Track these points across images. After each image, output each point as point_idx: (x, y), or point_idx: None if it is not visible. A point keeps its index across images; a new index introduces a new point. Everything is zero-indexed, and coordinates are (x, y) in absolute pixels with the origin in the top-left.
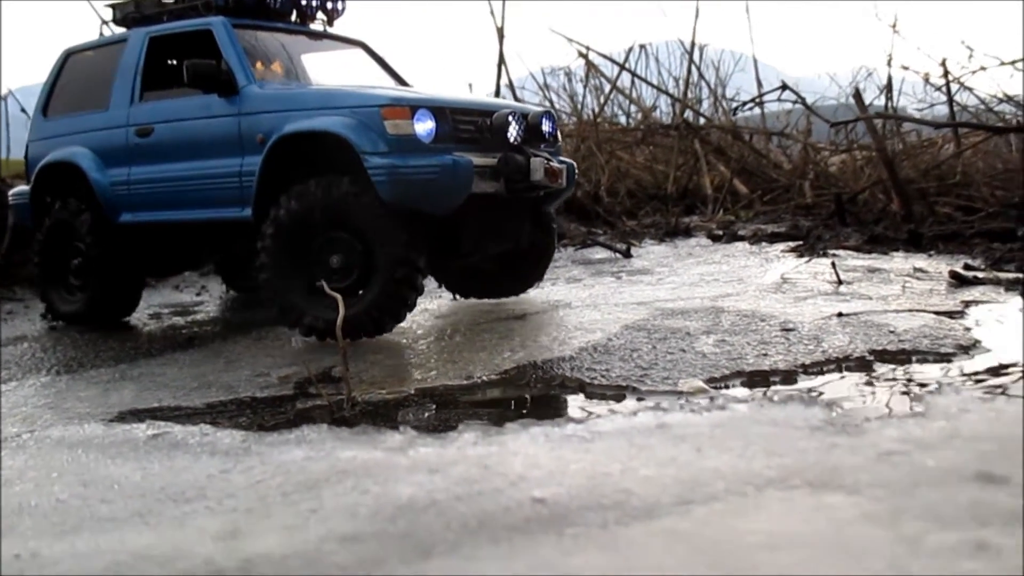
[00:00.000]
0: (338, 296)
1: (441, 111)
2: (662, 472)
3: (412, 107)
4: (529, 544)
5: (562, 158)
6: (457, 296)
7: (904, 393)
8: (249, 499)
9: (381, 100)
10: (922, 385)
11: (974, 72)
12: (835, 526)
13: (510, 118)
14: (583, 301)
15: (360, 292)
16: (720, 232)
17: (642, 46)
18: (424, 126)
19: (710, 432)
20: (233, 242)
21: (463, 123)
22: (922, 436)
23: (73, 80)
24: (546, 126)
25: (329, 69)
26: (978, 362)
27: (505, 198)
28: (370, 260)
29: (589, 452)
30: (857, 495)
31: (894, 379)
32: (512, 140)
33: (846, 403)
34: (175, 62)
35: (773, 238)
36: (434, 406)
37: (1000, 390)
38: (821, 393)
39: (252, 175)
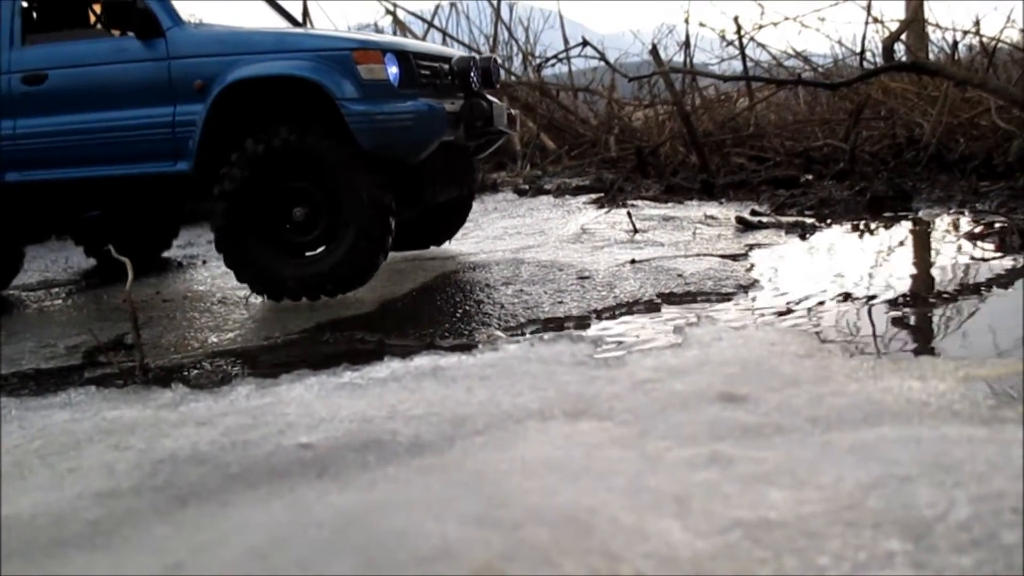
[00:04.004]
0: (126, 260)
1: (404, 55)
2: (430, 412)
3: (382, 51)
4: (288, 487)
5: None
6: None
7: (673, 329)
8: (4, 465)
9: (351, 44)
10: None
11: (762, 27)
12: (585, 450)
13: (471, 63)
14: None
15: (322, 248)
16: (526, 187)
17: (452, 4)
18: (393, 71)
19: (481, 372)
20: (152, 198)
21: (423, 68)
22: (676, 364)
23: None
24: (493, 72)
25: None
26: (753, 298)
27: (459, 145)
28: (338, 213)
29: (362, 398)
30: (609, 421)
31: (671, 317)
32: (474, 86)
33: (613, 339)
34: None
35: (577, 191)
36: (229, 367)
37: (755, 320)
38: (588, 331)
39: (190, 125)
